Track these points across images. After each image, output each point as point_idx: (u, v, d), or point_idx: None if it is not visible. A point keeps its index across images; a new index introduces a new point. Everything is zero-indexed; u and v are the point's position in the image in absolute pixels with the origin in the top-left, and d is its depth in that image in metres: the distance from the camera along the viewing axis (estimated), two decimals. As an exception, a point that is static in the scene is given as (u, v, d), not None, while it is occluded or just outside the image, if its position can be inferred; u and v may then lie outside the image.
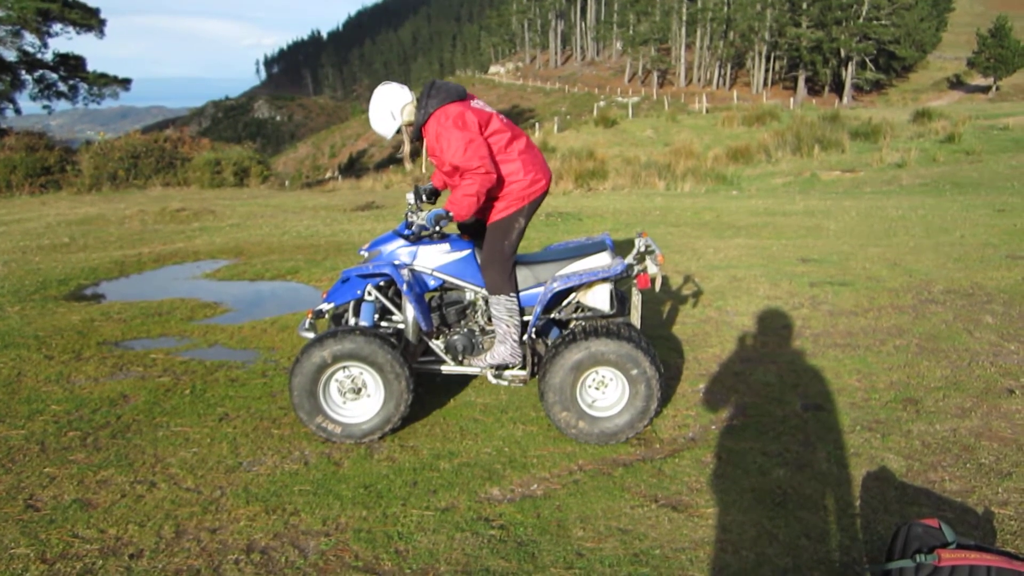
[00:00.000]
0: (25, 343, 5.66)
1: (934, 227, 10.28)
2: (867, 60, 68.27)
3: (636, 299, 4.32)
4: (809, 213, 12.37)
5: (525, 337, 4.20)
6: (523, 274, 4.20)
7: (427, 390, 4.69)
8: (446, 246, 4.20)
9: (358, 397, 4.01)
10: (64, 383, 4.90)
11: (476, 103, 4.10)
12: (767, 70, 75.99)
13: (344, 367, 3.94)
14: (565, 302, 4.29)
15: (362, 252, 4.33)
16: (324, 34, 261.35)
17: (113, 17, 31.63)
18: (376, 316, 4.27)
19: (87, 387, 4.82)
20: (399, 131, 4.16)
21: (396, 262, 4.15)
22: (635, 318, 4.32)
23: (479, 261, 4.20)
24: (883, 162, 20.75)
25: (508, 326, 4.13)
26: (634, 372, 3.88)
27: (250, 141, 31.00)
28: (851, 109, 43.08)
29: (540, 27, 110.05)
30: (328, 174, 43.90)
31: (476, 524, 3.25)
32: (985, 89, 65.59)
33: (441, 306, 4.33)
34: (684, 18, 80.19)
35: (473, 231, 4.42)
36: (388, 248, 4.21)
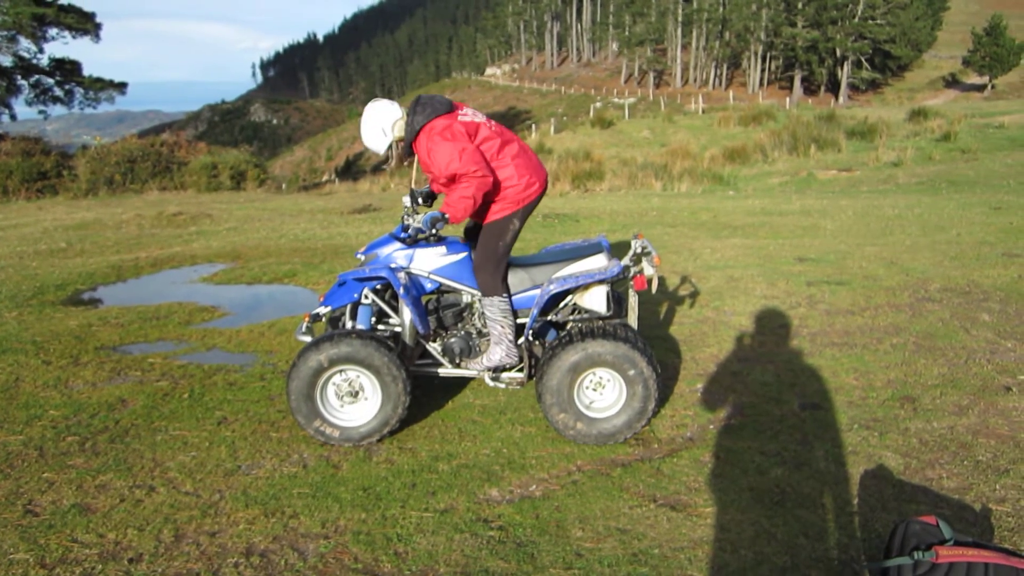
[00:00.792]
0: (23, 348, 5.66)
1: (930, 225, 10.30)
2: (863, 59, 68.34)
3: (633, 300, 4.33)
4: (806, 212, 12.39)
5: (522, 339, 4.20)
6: (520, 276, 4.21)
7: (425, 392, 4.70)
8: (442, 249, 4.21)
9: (356, 400, 4.01)
10: (62, 388, 4.89)
11: (464, 114, 4.10)
12: (763, 70, 76.06)
13: (341, 370, 3.94)
14: (562, 304, 4.30)
15: (359, 255, 4.33)
16: (320, 37, 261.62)
17: (108, 21, 31.67)
18: (373, 319, 4.28)
19: (85, 392, 4.82)
20: (390, 147, 4.16)
21: (393, 265, 4.16)
22: (632, 319, 4.33)
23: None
24: (879, 161, 20.78)
25: (503, 327, 4.14)
26: (631, 373, 3.88)
27: (247, 145, 30.93)
28: (847, 108, 43.12)
29: (536, 29, 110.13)
30: (325, 177, 43.89)
31: (475, 525, 3.26)
32: (981, 88, 65.67)
33: (438, 309, 4.33)
34: (680, 19, 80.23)
35: (475, 234, 4.43)
36: (385, 251, 4.21)
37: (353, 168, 54.03)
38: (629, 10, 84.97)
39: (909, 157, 20.50)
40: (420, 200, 4.36)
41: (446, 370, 4.35)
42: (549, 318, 4.32)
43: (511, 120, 61.93)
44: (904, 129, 26.08)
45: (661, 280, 7.26)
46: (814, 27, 68.64)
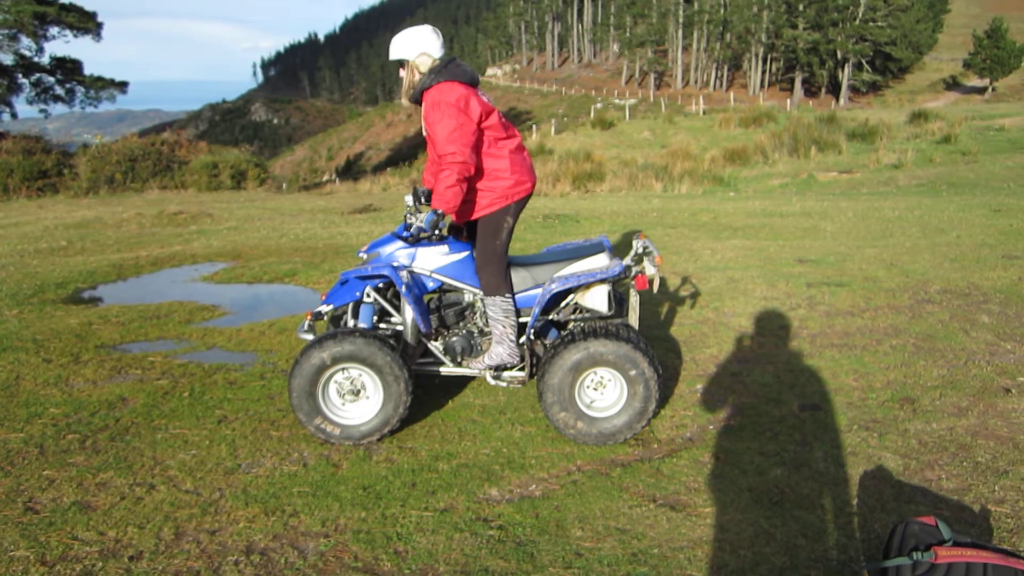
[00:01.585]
0: (23, 346, 5.66)
1: (931, 227, 10.30)
2: (863, 62, 68.41)
3: (634, 300, 4.33)
4: (806, 214, 12.39)
5: (523, 338, 4.21)
6: (521, 275, 4.22)
7: (425, 391, 4.70)
8: (444, 248, 4.22)
9: (357, 399, 4.02)
10: (63, 386, 4.90)
11: (483, 94, 4.12)
12: (764, 72, 76.14)
13: (343, 369, 3.95)
14: (563, 303, 4.30)
15: (361, 254, 4.33)
16: (321, 37, 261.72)
17: (110, 20, 31.68)
18: (375, 318, 4.28)
19: (86, 390, 4.83)
20: (402, 64, 4.11)
21: (395, 264, 4.16)
22: (633, 319, 4.33)
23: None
24: (880, 163, 20.79)
25: (504, 327, 4.15)
26: (632, 373, 3.89)
27: (247, 144, 30.92)
28: (848, 110, 43.17)
29: (537, 29, 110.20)
30: (325, 177, 43.92)
31: (475, 525, 3.26)
32: (981, 90, 65.72)
33: (440, 308, 4.33)
34: (681, 20, 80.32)
35: (468, 231, 4.44)
36: (387, 250, 4.22)
37: (354, 168, 54.08)
38: (630, 11, 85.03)
39: (910, 159, 20.51)
40: (423, 199, 4.36)
41: (448, 369, 4.36)
42: (550, 317, 4.32)
43: (512, 120, 61.67)
44: (905, 131, 26.09)
45: (661, 281, 7.26)
46: (815, 29, 68.70)
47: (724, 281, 7.40)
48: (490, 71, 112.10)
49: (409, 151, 52.00)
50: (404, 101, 4.27)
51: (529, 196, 4.27)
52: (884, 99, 65.39)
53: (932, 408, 4.40)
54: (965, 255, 8.23)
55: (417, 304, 4.07)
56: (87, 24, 29.47)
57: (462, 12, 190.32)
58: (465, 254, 4.24)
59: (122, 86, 32.14)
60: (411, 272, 4.17)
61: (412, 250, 4.20)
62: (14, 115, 30.57)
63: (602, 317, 4.29)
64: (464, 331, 4.32)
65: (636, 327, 4.29)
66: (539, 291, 4.18)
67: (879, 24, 65.87)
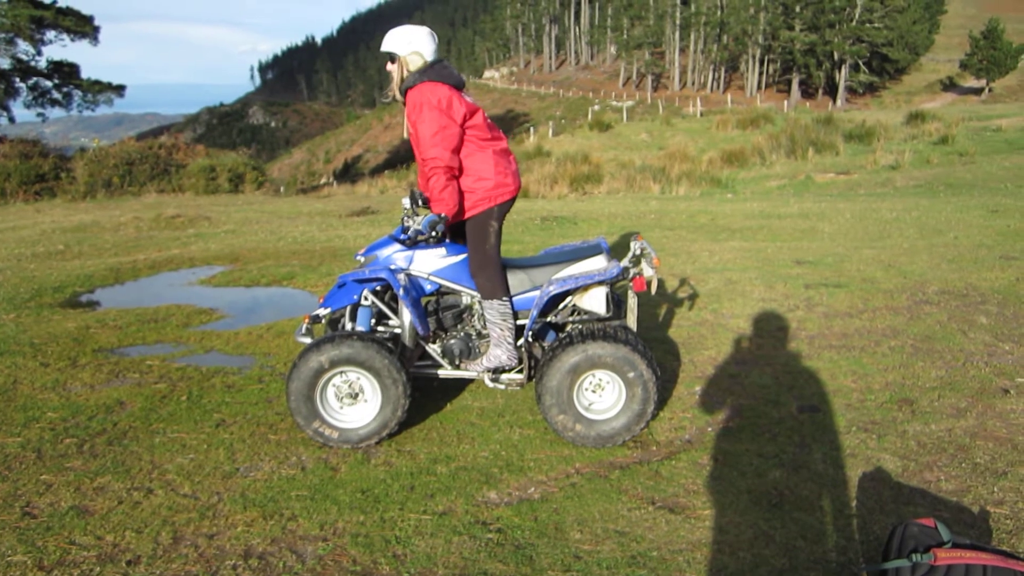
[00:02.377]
0: (21, 350, 5.65)
1: (928, 228, 10.31)
2: (860, 63, 68.47)
3: (632, 302, 4.33)
4: (804, 215, 12.40)
5: (522, 340, 4.20)
6: (519, 278, 4.21)
7: (423, 394, 4.70)
8: (442, 250, 4.21)
9: (355, 402, 4.01)
10: (60, 390, 4.89)
11: (467, 96, 4.13)
12: (761, 73, 76.22)
13: (341, 372, 3.94)
14: (561, 305, 4.30)
15: (358, 257, 4.33)
16: (319, 40, 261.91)
17: (107, 23, 31.67)
18: (373, 321, 4.28)
19: (83, 394, 4.82)
20: (393, 59, 4.11)
21: (392, 267, 4.16)
22: (631, 321, 4.32)
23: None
24: (877, 164, 20.81)
25: (502, 329, 4.14)
26: (631, 375, 3.89)
27: (245, 147, 30.95)
28: (845, 112, 43.21)
29: (534, 32, 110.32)
30: (323, 180, 43.90)
31: (473, 528, 3.25)
32: (978, 91, 65.83)
33: (438, 310, 4.33)
34: (678, 22, 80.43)
35: (454, 231, 4.42)
36: (384, 253, 4.22)
37: (351, 171, 54.08)
38: (627, 13, 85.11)
39: (907, 160, 20.53)
40: (420, 202, 4.35)
41: (446, 371, 4.35)
42: (548, 319, 4.32)
43: (509, 123, 62.02)
44: (902, 132, 26.11)
45: (660, 283, 7.26)
46: (812, 30, 68.77)
47: (722, 283, 7.40)
48: (487, 73, 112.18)
49: (407, 154, 51.98)
50: (397, 95, 4.27)
51: (513, 199, 4.27)
52: (881, 100, 65.52)
53: (931, 409, 4.39)
54: (963, 256, 8.23)
55: (415, 307, 4.07)
56: (84, 28, 29.43)
57: (459, 15, 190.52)
58: (462, 256, 4.24)
59: (119, 90, 32.09)
60: (409, 275, 4.16)
61: (409, 253, 4.19)
62: (11, 119, 30.54)
63: (600, 319, 4.29)
64: (462, 334, 4.32)
65: (634, 329, 4.29)
66: (537, 293, 4.18)
67: (876, 25, 65.95)
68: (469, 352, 4.29)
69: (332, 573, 2.94)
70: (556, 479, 3.69)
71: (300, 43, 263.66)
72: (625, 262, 4.24)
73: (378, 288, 4.29)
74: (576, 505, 3.43)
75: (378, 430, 3.95)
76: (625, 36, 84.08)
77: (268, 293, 7.70)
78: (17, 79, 29.43)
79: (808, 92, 72.40)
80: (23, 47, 28.85)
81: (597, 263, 4.18)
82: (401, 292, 4.00)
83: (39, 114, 30.77)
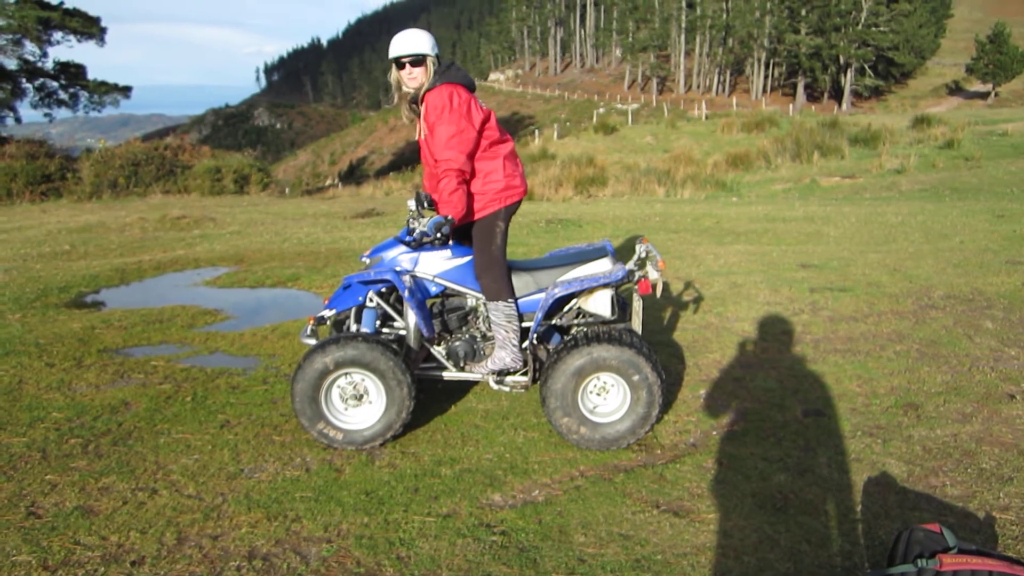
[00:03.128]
0: (26, 350, 5.67)
1: (934, 233, 10.29)
2: (866, 66, 68.41)
3: (637, 305, 4.32)
4: (809, 219, 12.39)
5: (526, 343, 4.20)
6: (524, 280, 4.21)
7: (428, 396, 4.70)
8: (447, 252, 4.21)
9: (360, 403, 4.01)
10: (65, 390, 4.90)
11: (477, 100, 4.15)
12: (766, 77, 76.19)
13: (346, 373, 3.94)
14: (566, 308, 4.29)
15: (363, 259, 4.33)
16: (324, 42, 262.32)
17: (113, 24, 31.71)
18: (378, 322, 4.27)
19: (88, 394, 4.83)
20: (421, 62, 4.05)
21: (398, 268, 4.16)
22: (636, 324, 4.32)
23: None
24: (882, 168, 20.78)
25: (507, 331, 4.14)
26: (636, 378, 3.88)
27: (250, 149, 30.93)
28: (850, 115, 43.13)
29: (539, 34, 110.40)
30: (328, 181, 43.93)
31: (478, 530, 3.25)
32: (984, 95, 65.74)
33: (443, 312, 4.33)
34: (683, 25, 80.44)
35: (460, 234, 4.41)
36: (390, 255, 4.22)
37: (356, 172, 54.16)
38: (632, 16, 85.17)
39: (912, 164, 20.51)
40: (425, 204, 4.35)
41: (450, 374, 4.35)
42: (553, 322, 4.31)
43: (515, 125, 62.02)
44: (907, 136, 26.08)
45: (664, 286, 7.26)
46: (817, 34, 68.70)
47: (727, 286, 7.39)
48: (493, 76, 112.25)
49: (412, 156, 52.01)
50: (403, 109, 4.26)
51: (520, 202, 4.28)
52: (887, 104, 65.47)
53: (936, 414, 4.38)
54: (968, 260, 8.21)
55: (420, 308, 4.07)
56: (91, 29, 29.51)
57: (465, 17, 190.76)
58: (468, 258, 4.23)
59: (125, 91, 32.16)
60: (414, 277, 4.16)
61: (415, 255, 4.19)
62: (18, 119, 30.60)
63: (605, 322, 4.29)
64: (467, 336, 4.31)
65: (639, 332, 4.28)
66: (542, 295, 4.17)
67: (882, 29, 65.88)
68: (474, 354, 4.29)
69: (336, 575, 2.94)
70: (560, 482, 3.68)
71: (306, 45, 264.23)
72: (631, 265, 4.23)
73: (383, 290, 4.29)
74: (580, 508, 3.42)
75: (383, 432, 3.95)
76: (630, 39, 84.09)
77: (273, 294, 7.70)
78: (24, 80, 29.52)
79: (813, 96, 72.36)
80: (30, 48, 28.97)
81: (602, 266, 4.17)
82: (406, 294, 4.00)
83: (46, 114, 30.86)
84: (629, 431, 3.95)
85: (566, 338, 4.16)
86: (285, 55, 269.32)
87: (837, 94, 70.71)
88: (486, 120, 4.07)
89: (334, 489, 3.61)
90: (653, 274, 4.16)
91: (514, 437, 4.18)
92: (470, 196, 4.10)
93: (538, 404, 4.52)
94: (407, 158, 51.56)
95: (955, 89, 71.55)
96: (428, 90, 4.01)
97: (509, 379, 4.30)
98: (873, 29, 65.86)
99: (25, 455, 3.97)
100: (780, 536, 3.18)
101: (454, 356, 4.29)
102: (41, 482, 3.68)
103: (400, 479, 3.72)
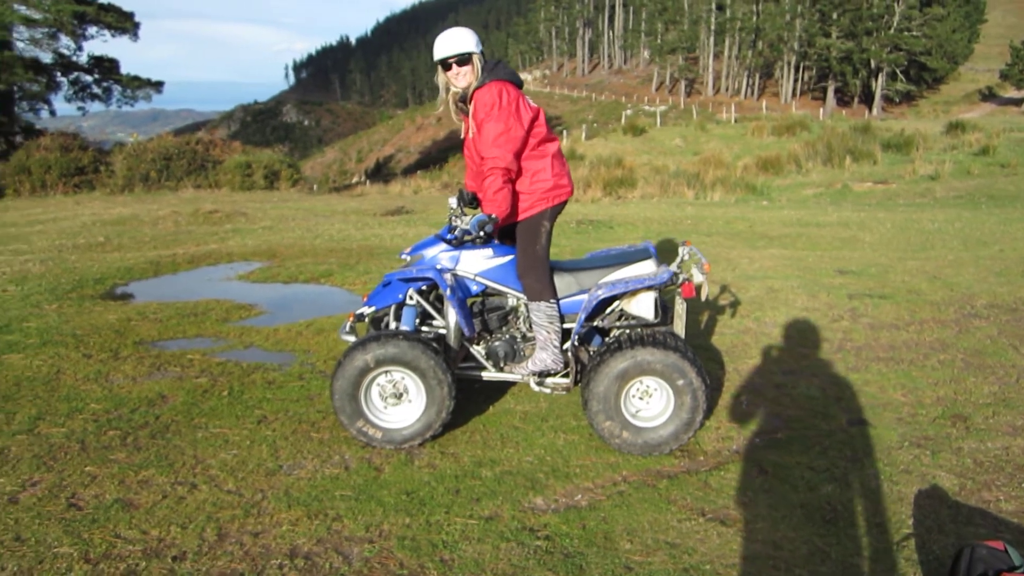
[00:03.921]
0: (63, 341, 5.69)
1: (972, 240, 10.12)
2: (898, 71, 67.59)
3: (680, 308, 4.25)
4: (843, 224, 12.23)
5: (567, 344, 4.14)
6: (567, 281, 4.15)
7: (465, 396, 4.65)
8: (489, 251, 4.16)
9: (399, 402, 3.97)
10: (103, 382, 4.90)
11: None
12: (796, 80, 75.49)
13: (386, 371, 3.91)
14: (608, 310, 4.23)
15: (403, 256, 4.29)
16: (353, 40, 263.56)
17: (146, 21, 32.01)
18: (417, 320, 4.23)
19: (125, 386, 4.83)
20: (467, 60, 3.98)
21: (439, 266, 4.12)
22: (679, 328, 4.24)
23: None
24: (916, 174, 20.51)
25: (548, 332, 4.08)
26: (680, 383, 3.81)
27: (279, 145, 31.15)
28: (881, 120, 42.63)
29: (568, 35, 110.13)
30: (356, 179, 44.10)
31: (521, 534, 3.20)
32: (1018, 102, 64.65)
33: (483, 312, 4.28)
34: (712, 27, 79.87)
35: (505, 235, 4.37)
36: (430, 252, 4.18)
37: (383, 170, 54.34)
38: (661, 18, 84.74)
39: (947, 171, 20.21)
40: (467, 202, 4.31)
41: (489, 374, 4.30)
42: (595, 323, 4.25)
43: (541, 126, 61.81)
44: (941, 142, 25.71)
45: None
46: (848, 38, 67.96)
47: (763, 291, 7.29)
48: (520, 76, 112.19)
49: (439, 154, 52.12)
50: (452, 108, 4.19)
51: (566, 202, 4.22)
52: (918, 109, 64.57)
53: (985, 426, 4.28)
54: (1010, 269, 8.05)
55: (461, 307, 4.02)
56: (125, 24, 29.83)
57: (493, 16, 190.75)
58: (509, 258, 4.18)
59: (158, 86, 32.48)
60: (455, 275, 4.12)
61: (456, 253, 4.15)
62: (52, 112, 31.02)
63: (647, 325, 4.22)
64: (507, 336, 4.26)
65: (682, 336, 4.21)
66: (584, 297, 4.11)
67: (914, 33, 65.04)
68: (514, 355, 4.24)
69: (379, 576, 2.90)
70: (603, 487, 3.62)
71: (334, 43, 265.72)
72: (674, 267, 4.16)
73: (423, 288, 4.24)
74: (625, 514, 3.36)
75: (422, 431, 3.91)
76: (659, 41, 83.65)
77: (306, 290, 7.70)
78: (59, 73, 29.87)
79: (843, 100, 71.60)
80: (65, 42, 29.30)
81: (646, 267, 4.11)
82: (448, 292, 3.96)
83: (79, 108, 31.23)
84: (672, 436, 3.88)
85: (609, 340, 4.09)
86: (314, 53, 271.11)
87: (867, 99, 69.93)
88: (535, 118, 4.01)
89: (374, 488, 3.57)
90: (698, 277, 4.09)
91: (554, 440, 4.12)
92: (516, 195, 4.04)
93: (577, 406, 4.47)
94: (434, 156, 51.68)
95: (988, 95, 70.51)
96: (477, 88, 3.96)
97: (550, 381, 4.24)
98: (905, 33, 65.03)
99: (64, 446, 3.97)
100: (831, 549, 3.10)
101: (494, 356, 4.24)
102: (81, 473, 3.67)
103: (440, 480, 3.67)
